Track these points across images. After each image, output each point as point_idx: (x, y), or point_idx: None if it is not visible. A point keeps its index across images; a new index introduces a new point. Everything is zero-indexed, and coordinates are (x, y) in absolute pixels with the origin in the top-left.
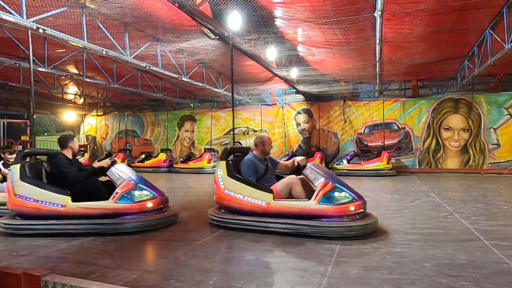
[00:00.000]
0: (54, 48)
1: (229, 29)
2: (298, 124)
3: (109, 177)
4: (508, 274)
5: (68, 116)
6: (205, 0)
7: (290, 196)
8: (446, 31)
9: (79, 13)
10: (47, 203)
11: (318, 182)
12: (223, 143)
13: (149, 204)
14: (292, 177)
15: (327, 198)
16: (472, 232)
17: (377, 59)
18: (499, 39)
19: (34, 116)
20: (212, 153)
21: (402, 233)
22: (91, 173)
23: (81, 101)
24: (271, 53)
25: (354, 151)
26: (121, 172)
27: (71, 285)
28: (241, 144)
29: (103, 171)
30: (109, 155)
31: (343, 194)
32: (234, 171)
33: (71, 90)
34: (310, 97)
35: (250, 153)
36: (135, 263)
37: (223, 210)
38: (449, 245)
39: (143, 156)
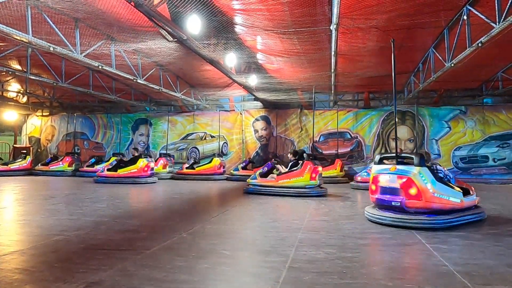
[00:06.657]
0: None
1: (188, 33)
2: (256, 131)
3: None
4: (447, 275)
5: (9, 115)
6: (163, 1)
7: None
8: (395, 48)
9: (23, 5)
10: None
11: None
12: (179, 148)
13: None
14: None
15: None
16: (415, 236)
17: (332, 70)
18: (440, 58)
19: None
20: (168, 158)
21: (353, 238)
22: None
23: (24, 99)
24: (231, 59)
25: None
26: None
27: None
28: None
29: None
30: (54, 158)
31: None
32: None
33: (13, 87)
34: (268, 105)
35: None
36: (78, 274)
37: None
38: (395, 249)
39: (93, 160)
